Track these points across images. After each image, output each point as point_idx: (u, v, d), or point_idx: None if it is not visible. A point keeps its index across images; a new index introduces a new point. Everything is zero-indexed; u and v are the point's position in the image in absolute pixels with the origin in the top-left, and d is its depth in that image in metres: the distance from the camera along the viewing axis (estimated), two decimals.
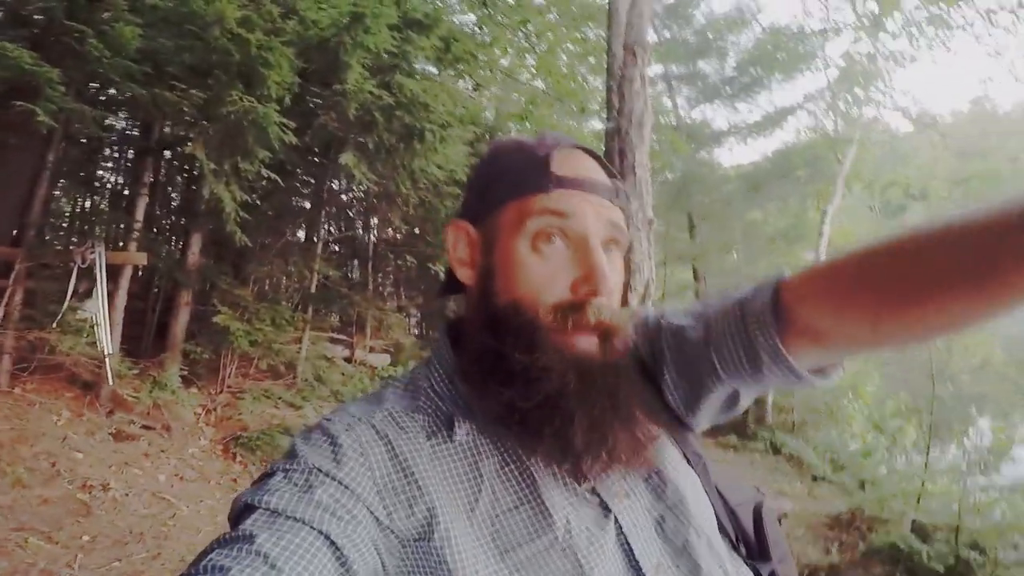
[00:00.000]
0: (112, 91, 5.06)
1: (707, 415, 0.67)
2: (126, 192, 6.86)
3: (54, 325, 4.19)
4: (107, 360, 4.28)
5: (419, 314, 9.37)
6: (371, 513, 0.50)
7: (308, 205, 7.14)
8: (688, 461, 0.67)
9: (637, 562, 0.55)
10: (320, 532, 0.46)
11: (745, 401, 0.66)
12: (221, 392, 5.43)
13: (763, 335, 0.57)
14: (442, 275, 0.90)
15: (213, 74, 4.39)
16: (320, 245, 6.78)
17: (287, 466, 0.52)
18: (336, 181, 7.01)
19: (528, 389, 0.53)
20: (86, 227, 6.99)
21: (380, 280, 9.19)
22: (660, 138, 9.77)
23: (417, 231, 7.66)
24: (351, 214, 8.48)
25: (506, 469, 0.56)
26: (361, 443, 0.54)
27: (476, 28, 7.77)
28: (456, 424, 0.57)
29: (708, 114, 12.23)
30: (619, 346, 0.57)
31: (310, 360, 6.18)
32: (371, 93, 4.95)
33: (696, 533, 0.59)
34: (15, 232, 4.63)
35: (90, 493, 3.41)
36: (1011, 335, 9.68)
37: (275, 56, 4.34)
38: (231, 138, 4.52)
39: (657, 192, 9.39)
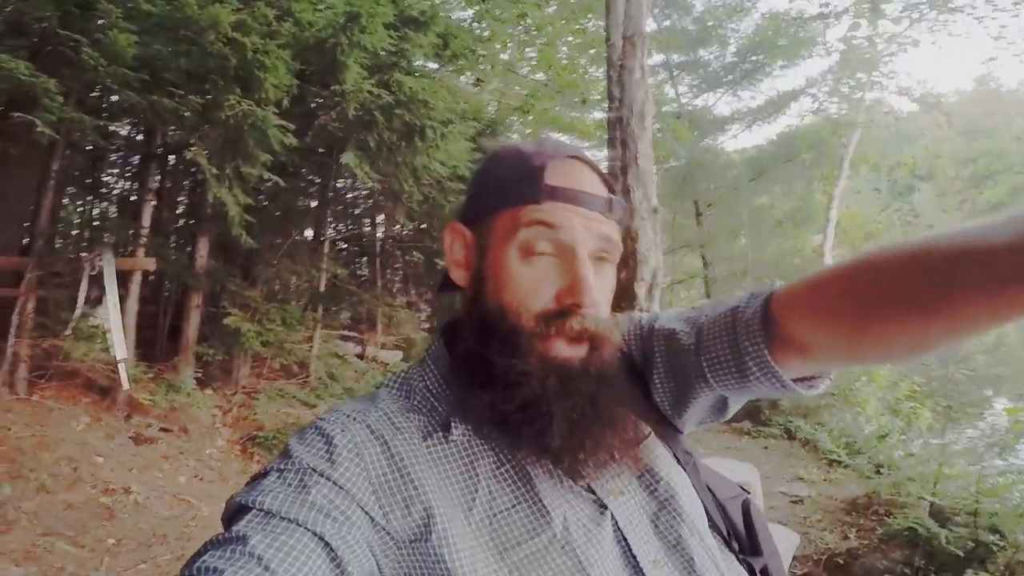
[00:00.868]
0: (115, 98, 5.06)
1: (694, 418, 0.68)
2: (133, 198, 6.92)
3: (67, 332, 4.23)
4: (120, 365, 4.32)
5: (430, 309, 9.40)
6: (366, 513, 0.50)
7: (314, 204, 7.16)
8: (678, 460, 0.67)
9: (635, 557, 0.55)
10: (314, 533, 0.46)
11: (733, 407, 0.67)
12: (236, 393, 5.48)
13: (751, 344, 0.57)
14: None
15: (210, 79, 4.38)
16: (327, 244, 6.80)
17: (281, 466, 0.52)
18: (341, 180, 7.02)
19: (508, 392, 0.54)
20: (95, 234, 7.06)
21: (388, 277, 9.22)
22: (663, 126, 9.69)
23: (423, 227, 7.66)
24: (357, 212, 8.49)
25: (502, 469, 0.57)
26: (356, 443, 0.54)
27: (474, 23, 7.72)
28: (452, 424, 0.58)
29: (710, 101, 12.05)
30: (604, 354, 0.58)
31: (322, 358, 6.21)
32: (370, 92, 4.92)
33: (689, 529, 0.60)
34: (25, 241, 4.68)
35: (112, 497, 3.44)
36: None
37: (271, 59, 4.32)
38: (231, 142, 4.52)
39: (662, 180, 9.34)
